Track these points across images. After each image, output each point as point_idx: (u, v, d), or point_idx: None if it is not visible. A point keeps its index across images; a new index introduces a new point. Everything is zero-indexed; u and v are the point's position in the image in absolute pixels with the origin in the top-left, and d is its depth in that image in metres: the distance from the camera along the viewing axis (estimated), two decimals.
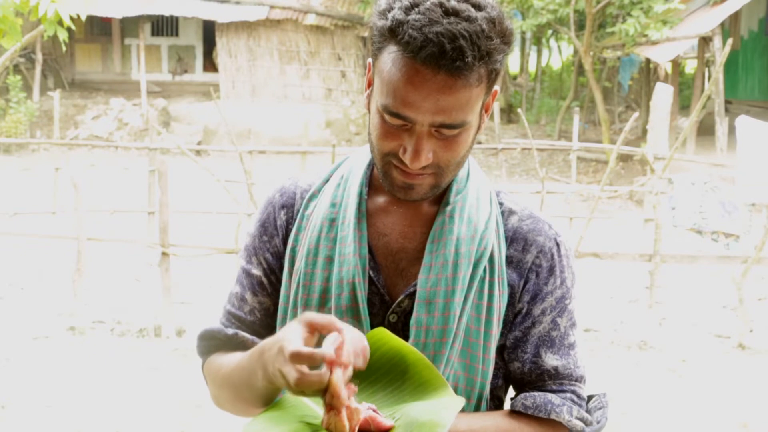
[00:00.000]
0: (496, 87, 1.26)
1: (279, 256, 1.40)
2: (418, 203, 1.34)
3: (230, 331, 1.38)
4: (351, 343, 1.08)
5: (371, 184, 1.37)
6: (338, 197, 1.36)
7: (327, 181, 1.41)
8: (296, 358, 1.06)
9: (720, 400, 4.99)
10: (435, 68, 1.14)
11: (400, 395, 1.20)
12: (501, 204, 1.38)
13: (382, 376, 1.21)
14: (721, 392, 5.11)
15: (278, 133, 16.31)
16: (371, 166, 1.38)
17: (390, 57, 1.18)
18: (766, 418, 4.77)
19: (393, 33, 1.17)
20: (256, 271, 1.41)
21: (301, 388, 1.06)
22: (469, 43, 1.13)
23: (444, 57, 1.13)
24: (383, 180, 1.28)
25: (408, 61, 1.15)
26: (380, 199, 1.36)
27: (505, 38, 1.19)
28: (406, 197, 1.27)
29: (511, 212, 1.37)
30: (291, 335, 1.09)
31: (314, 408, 1.19)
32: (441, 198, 1.34)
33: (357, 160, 1.40)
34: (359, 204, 1.34)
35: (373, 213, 1.35)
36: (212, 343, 1.41)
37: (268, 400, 1.21)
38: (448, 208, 1.32)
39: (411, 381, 1.20)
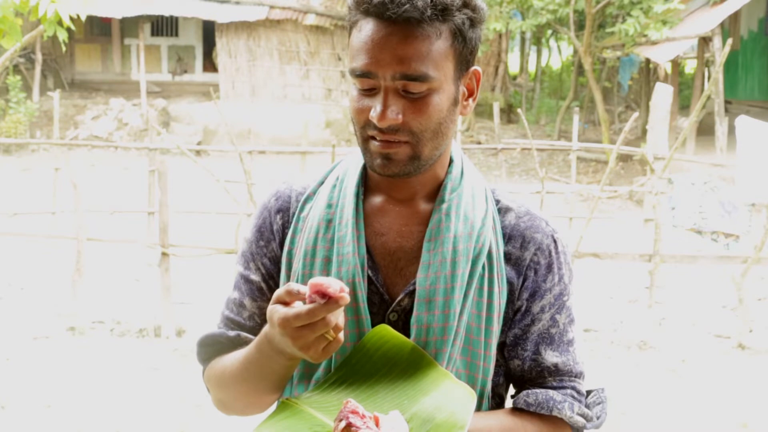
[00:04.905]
0: (478, 67, 1.29)
1: (276, 261, 1.40)
2: (413, 202, 1.35)
3: (232, 333, 1.39)
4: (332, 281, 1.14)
5: (367, 185, 1.38)
6: (334, 198, 1.36)
7: (322, 183, 1.41)
8: (289, 295, 1.14)
9: (720, 400, 4.99)
10: (388, 20, 1.20)
11: (403, 391, 1.20)
12: (497, 201, 1.38)
13: (386, 373, 1.22)
14: (721, 392, 5.11)
15: (278, 133, 16.31)
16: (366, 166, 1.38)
17: (355, 28, 1.25)
18: (766, 418, 4.77)
19: (357, 5, 1.24)
20: (255, 277, 1.41)
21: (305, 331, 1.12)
22: None
23: (392, 2, 1.19)
24: (365, 157, 1.30)
25: (366, 22, 1.23)
26: (376, 200, 1.37)
27: (468, 4, 1.24)
28: (387, 171, 1.27)
29: (508, 209, 1.38)
30: (277, 307, 1.16)
31: (323, 419, 1.19)
32: (436, 196, 1.35)
33: (352, 161, 1.41)
34: (356, 204, 1.34)
35: (370, 213, 1.36)
36: (214, 348, 1.42)
37: (283, 384, 1.30)
38: (444, 205, 1.32)
39: (415, 377, 1.20)
